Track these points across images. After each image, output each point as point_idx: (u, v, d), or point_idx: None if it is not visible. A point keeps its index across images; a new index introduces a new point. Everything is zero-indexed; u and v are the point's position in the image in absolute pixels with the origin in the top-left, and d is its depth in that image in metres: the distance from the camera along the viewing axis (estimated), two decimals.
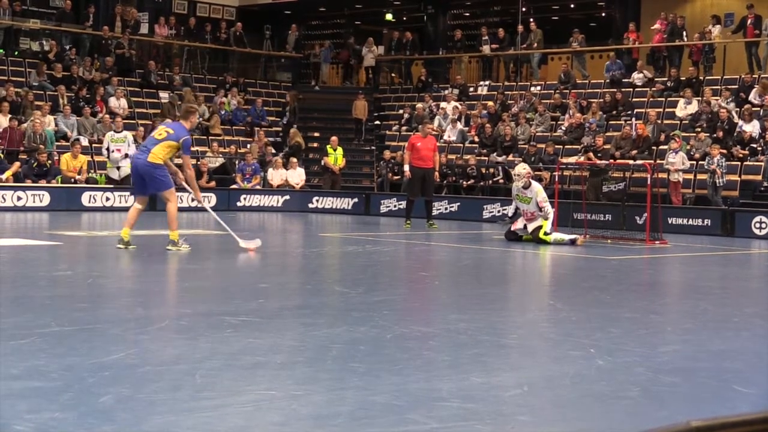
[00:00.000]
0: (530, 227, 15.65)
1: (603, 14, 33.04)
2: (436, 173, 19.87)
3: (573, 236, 15.76)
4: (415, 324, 7.23)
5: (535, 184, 16.06)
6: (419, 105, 28.59)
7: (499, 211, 22.15)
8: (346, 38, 33.72)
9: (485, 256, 14.36)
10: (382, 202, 24.45)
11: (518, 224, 15.99)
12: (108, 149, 22.99)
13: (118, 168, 22.98)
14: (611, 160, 21.49)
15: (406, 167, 19.57)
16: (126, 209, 21.95)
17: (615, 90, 26.04)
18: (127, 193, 22.53)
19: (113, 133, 23.11)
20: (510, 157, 24.72)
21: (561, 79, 28.04)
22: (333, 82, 33.02)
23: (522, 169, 16.18)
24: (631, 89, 26.54)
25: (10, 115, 23.23)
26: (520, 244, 15.42)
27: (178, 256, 12.05)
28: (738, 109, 23.25)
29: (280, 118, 29.25)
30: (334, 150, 25.77)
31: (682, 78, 25.73)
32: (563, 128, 25.53)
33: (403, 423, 4.34)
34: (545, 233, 15.54)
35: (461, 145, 26.59)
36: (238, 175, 25.18)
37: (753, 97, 23.62)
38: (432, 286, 10.46)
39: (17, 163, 22.03)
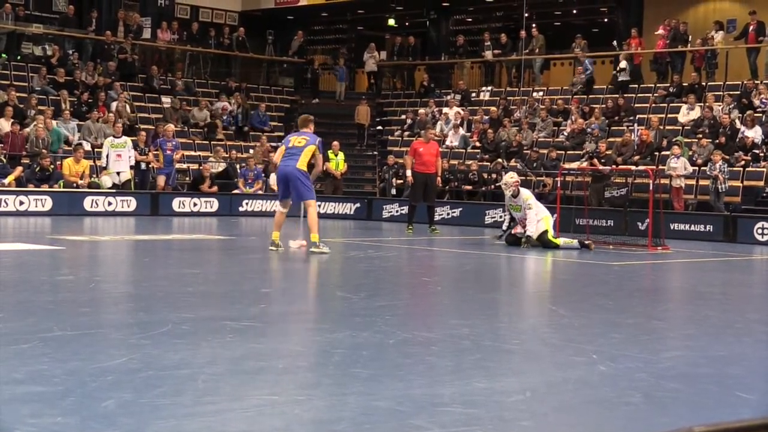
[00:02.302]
0: (533, 233, 15.64)
1: (605, 20, 33.06)
2: (438, 178, 19.89)
3: (585, 241, 15.82)
4: (417, 329, 7.23)
5: (523, 191, 16.10)
6: (422, 110, 28.63)
7: (500, 217, 22.15)
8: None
9: (487, 261, 14.36)
10: (384, 207, 24.46)
11: (518, 229, 16.02)
12: (107, 156, 22.96)
13: (119, 174, 22.96)
14: (614, 166, 21.51)
15: (409, 172, 19.58)
16: (127, 214, 22.10)
17: (618, 95, 26.06)
18: (129, 198, 22.61)
19: (113, 139, 23.10)
20: (512, 162, 24.74)
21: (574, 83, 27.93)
22: (335, 88, 32.84)
23: (510, 178, 16.20)
24: (634, 95, 26.56)
25: (12, 120, 23.24)
26: (522, 249, 15.40)
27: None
28: (740, 115, 23.26)
29: (234, 120, 28.69)
30: (336, 155, 25.79)
31: (684, 84, 25.74)
32: (565, 134, 25.53)
33: (405, 428, 4.34)
34: (553, 236, 15.60)
35: (463, 150, 26.61)
36: (240, 180, 25.19)
37: (755, 98, 23.58)
38: (434, 291, 10.46)
39: (20, 168, 22.05)
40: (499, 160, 24.97)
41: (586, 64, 27.81)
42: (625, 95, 26.21)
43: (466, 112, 28.14)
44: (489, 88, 29.95)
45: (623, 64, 26.98)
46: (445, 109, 28.45)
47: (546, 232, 15.60)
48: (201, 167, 24.98)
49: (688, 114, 24.42)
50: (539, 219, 15.69)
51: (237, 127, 28.28)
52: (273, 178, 25.32)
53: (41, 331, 6.37)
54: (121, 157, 22.98)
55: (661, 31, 26.96)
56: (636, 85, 27.09)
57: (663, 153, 22.89)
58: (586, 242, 15.81)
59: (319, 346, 6.29)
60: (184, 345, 6.09)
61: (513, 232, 16.13)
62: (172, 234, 18.30)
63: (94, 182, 22.76)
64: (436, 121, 27.94)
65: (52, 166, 22.25)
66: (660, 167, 21.66)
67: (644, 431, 4.51)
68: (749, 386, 5.55)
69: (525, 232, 15.73)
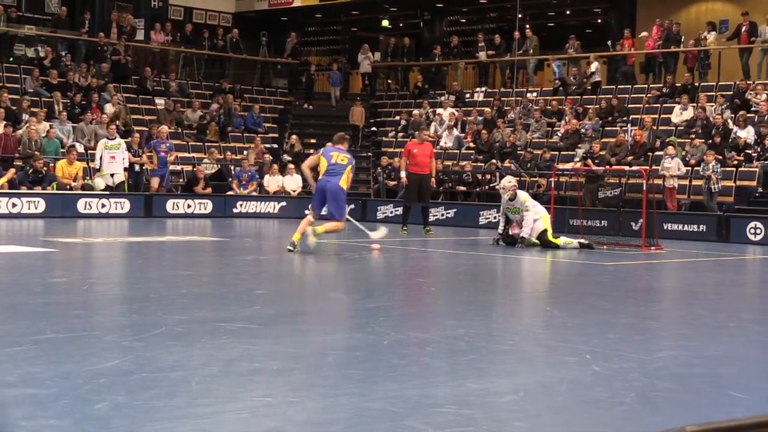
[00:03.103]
0: (527, 234, 15.68)
1: (599, 21, 33.09)
2: (433, 179, 19.88)
3: (584, 241, 15.89)
4: (411, 330, 7.23)
5: (521, 194, 16.14)
6: (416, 111, 28.61)
7: (494, 218, 22.17)
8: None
9: (481, 262, 14.36)
10: (378, 208, 24.45)
11: (515, 229, 16.05)
12: (101, 158, 22.88)
13: (112, 176, 22.89)
14: (607, 167, 21.53)
15: (403, 174, 19.57)
16: (120, 216, 22.05)
17: (611, 96, 26.12)
18: (123, 200, 22.57)
19: (107, 140, 23.04)
20: (506, 163, 24.76)
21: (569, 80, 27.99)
22: (329, 89, 32.77)
23: (507, 182, 16.23)
24: (627, 96, 26.60)
25: (5, 122, 23.18)
26: (517, 249, 15.41)
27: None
28: (733, 116, 23.29)
29: (216, 121, 28.19)
30: None
31: (677, 84, 25.78)
32: (559, 134, 25.55)
33: (399, 429, 4.34)
34: (553, 236, 15.66)
35: (457, 151, 26.61)
36: (234, 182, 25.17)
37: (752, 98, 23.61)
38: (428, 292, 10.46)
39: (12, 170, 22.00)
40: (493, 161, 24.98)
41: (553, 67, 28.10)
42: (619, 96, 26.22)
43: (460, 112, 28.15)
44: (483, 88, 29.96)
45: (594, 66, 27.26)
46: (439, 110, 28.45)
47: (545, 231, 15.67)
48: (195, 169, 24.96)
49: (681, 114, 24.45)
50: (537, 218, 15.75)
51: (220, 128, 28.08)
52: (267, 179, 25.42)
53: (34, 334, 6.36)
54: (114, 158, 22.90)
55: (645, 33, 27.06)
56: (629, 86, 27.15)
57: (656, 153, 22.92)
58: (586, 242, 15.88)
59: (312, 348, 6.29)
60: (178, 347, 6.08)
61: (511, 232, 16.16)
62: (165, 236, 18.29)
63: (88, 184, 22.71)
64: (431, 122, 27.94)
65: (45, 168, 22.20)
66: (654, 167, 21.68)
67: (638, 431, 4.52)
68: (742, 386, 5.56)
69: (520, 233, 15.76)
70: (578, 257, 14.64)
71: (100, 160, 22.89)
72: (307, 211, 14.48)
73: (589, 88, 27.42)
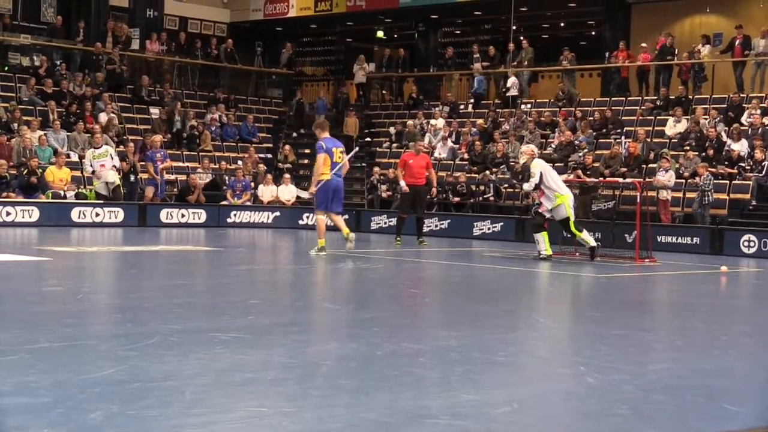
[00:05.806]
0: (553, 215, 15.61)
1: (593, 33, 33.16)
2: (434, 189, 20.05)
3: (594, 244, 15.86)
4: (405, 341, 7.23)
5: (535, 161, 15.90)
6: (410, 122, 28.63)
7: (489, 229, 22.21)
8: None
9: (475, 273, 14.36)
10: (372, 218, 24.44)
11: (544, 207, 15.80)
12: (92, 167, 22.95)
13: (107, 183, 22.90)
14: (601, 179, 21.55)
15: (403, 183, 19.35)
16: (114, 225, 22.03)
17: (605, 108, 26.17)
18: (117, 209, 22.55)
19: (93, 150, 23.12)
20: (500, 175, 24.79)
21: (558, 96, 28.04)
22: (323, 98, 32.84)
23: (526, 147, 16.12)
24: (621, 108, 26.65)
25: None
26: (510, 261, 15.40)
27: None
28: (726, 128, 23.33)
29: (183, 128, 27.78)
30: None
31: (671, 97, 25.84)
32: (553, 146, 25.58)
33: None
34: (576, 228, 15.66)
35: (452, 162, 26.63)
36: (228, 191, 25.17)
37: (744, 118, 23.67)
38: (422, 303, 10.46)
39: None
40: (487, 172, 25.01)
41: (474, 82, 29.07)
42: (613, 108, 26.27)
43: (454, 123, 28.19)
44: None
45: (510, 81, 27.74)
46: (433, 121, 28.48)
47: (568, 219, 15.62)
48: (188, 178, 24.95)
49: (674, 127, 24.50)
50: (557, 202, 15.63)
51: (177, 137, 27.63)
52: (261, 189, 25.41)
53: (28, 343, 6.35)
54: (104, 166, 22.96)
55: (644, 45, 27.13)
56: (623, 98, 27.23)
57: (650, 165, 22.95)
58: (596, 245, 15.88)
59: (306, 358, 6.29)
60: (172, 356, 6.08)
61: (540, 210, 15.92)
62: (159, 245, 18.27)
63: (82, 193, 22.73)
64: (425, 133, 27.97)
65: (39, 170, 22.18)
66: (647, 180, 21.70)
67: None
68: (736, 398, 5.57)
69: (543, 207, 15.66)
70: (571, 269, 14.64)
71: (92, 168, 22.98)
72: (321, 216, 15.14)
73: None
